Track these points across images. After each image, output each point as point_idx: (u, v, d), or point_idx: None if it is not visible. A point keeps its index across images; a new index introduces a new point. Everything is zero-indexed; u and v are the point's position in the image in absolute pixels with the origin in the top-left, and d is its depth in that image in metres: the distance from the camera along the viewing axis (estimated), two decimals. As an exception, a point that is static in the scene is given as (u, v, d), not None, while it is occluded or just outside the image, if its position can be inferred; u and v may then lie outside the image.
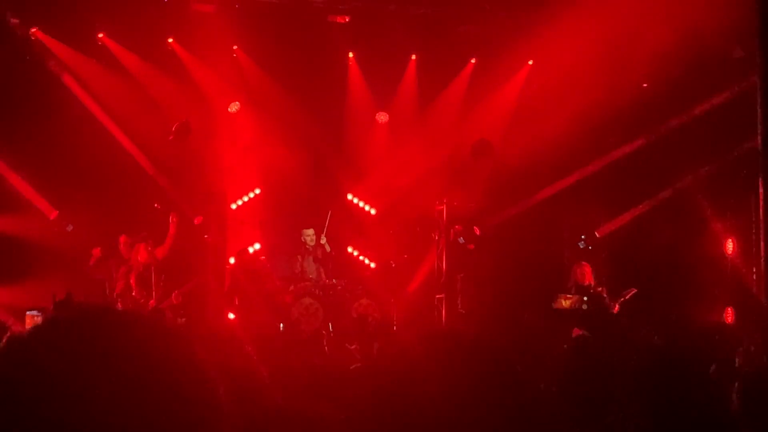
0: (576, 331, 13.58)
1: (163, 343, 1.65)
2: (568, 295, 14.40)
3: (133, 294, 14.53)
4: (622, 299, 14.20)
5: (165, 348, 1.64)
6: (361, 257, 18.10)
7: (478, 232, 16.41)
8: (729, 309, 15.30)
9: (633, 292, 14.30)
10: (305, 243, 16.76)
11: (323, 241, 16.75)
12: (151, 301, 14.30)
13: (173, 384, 1.59)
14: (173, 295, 14.25)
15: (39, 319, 12.57)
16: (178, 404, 1.58)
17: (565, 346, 13.00)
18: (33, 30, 15.87)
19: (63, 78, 15.71)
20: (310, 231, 16.82)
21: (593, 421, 4.59)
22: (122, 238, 14.85)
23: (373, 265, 17.92)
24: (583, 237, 17.09)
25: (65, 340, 1.59)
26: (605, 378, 4.67)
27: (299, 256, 16.78)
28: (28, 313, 13.03)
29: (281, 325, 15.74)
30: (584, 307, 14.14)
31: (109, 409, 1.52)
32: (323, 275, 16.75)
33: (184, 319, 14.10)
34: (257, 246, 17.30)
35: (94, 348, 1.58)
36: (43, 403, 1.50)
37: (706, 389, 4.41)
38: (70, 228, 15.47)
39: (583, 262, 15.20)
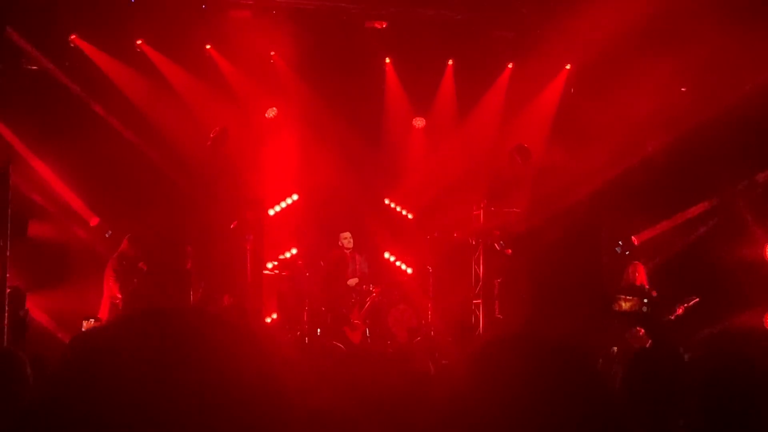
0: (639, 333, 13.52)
1: (234, 340, 1.67)
2: (628, 297, 14.35)
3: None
4: (686, 305, 14.11)
5: (236, 345, 1.66)
6: (398, 263, 18.08)
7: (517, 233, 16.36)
8: (769, 314, 15.16)
9: (695, 300, 14.21)
10: (342, 246, 16.78)
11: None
12: (190, 307, 14.35)
13: (244, 379, 1.61)
14: (225, 297, 14.31)
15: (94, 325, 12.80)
16: (248, 398, 1.59)
17: (614, 348, 12.98)
18: (72, 37, 16.01)
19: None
20: (347, 234, 16.83)
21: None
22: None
23: (410, 270, 17.90)
24: (620, 243, 16.97)
25: (142, 337, 1.61)
26: (671, 389, 4.63)
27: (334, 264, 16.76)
28: (84, 321, 13.17)
29: (318, 330, 15.78)
30: (644, 309, 14.08)
31: (185, 403, 1.53)
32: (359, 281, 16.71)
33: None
34: (294, 251, 17.34)
35: (168, 345, 1.60)
36: (121, 396, 1.52)
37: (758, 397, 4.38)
38: (109, 234, 15.58)
39: (638, 263, 15.15)
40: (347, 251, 16.71)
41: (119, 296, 14.26)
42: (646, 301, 14.19)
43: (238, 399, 1.58)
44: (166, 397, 1.54)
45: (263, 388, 1.62)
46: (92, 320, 13.02)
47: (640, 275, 14.91)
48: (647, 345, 12.83)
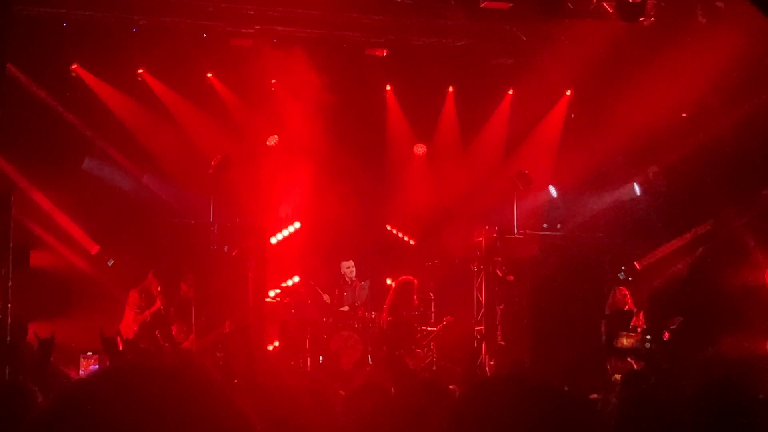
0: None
1: (207, 393, 1.67)
2: (630, 334, 14.32)
3: (172, 327, 14.57)
4: (671, 328, 14.12)
5: (209, 398, 1.66)
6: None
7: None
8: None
9: (679, 321, 14.21)
10: (344, 275, 16.76)
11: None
12: (191, 336, 14.31)
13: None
14: (226, 323, 14.29)
15: (93, 360, 12.71)
16: None
17: (617, 377, 12.94)
18: (73, 66, 16.07)
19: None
20: (350, 263, 16.81)
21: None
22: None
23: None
24: (623, 268, 16.96)
25: (117, 390, 1.61)
26: (666, 415, 4.63)
27: (336, 290, 16.74)
28: (82, 356, 13.10)
29: (320, 357, 15.75)
30: (647, 345, 14.05)
31: None
32: (358, 308, 16.63)
33: (222, 354, 14.08)
34: (296, 279, 17.32)
35: (142, 399, 1.60)
36: None
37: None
38: (110, 263, 15.58)
39: (623, 288, 15.18)
40: (348, 281, 16.68)
41: (135, 328, 14.21)
42: (648, 337, 14.16)
43: None
44: None
45: None
46: (90, 353, 12.97)
47: (627, 301, 15.00)
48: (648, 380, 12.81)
